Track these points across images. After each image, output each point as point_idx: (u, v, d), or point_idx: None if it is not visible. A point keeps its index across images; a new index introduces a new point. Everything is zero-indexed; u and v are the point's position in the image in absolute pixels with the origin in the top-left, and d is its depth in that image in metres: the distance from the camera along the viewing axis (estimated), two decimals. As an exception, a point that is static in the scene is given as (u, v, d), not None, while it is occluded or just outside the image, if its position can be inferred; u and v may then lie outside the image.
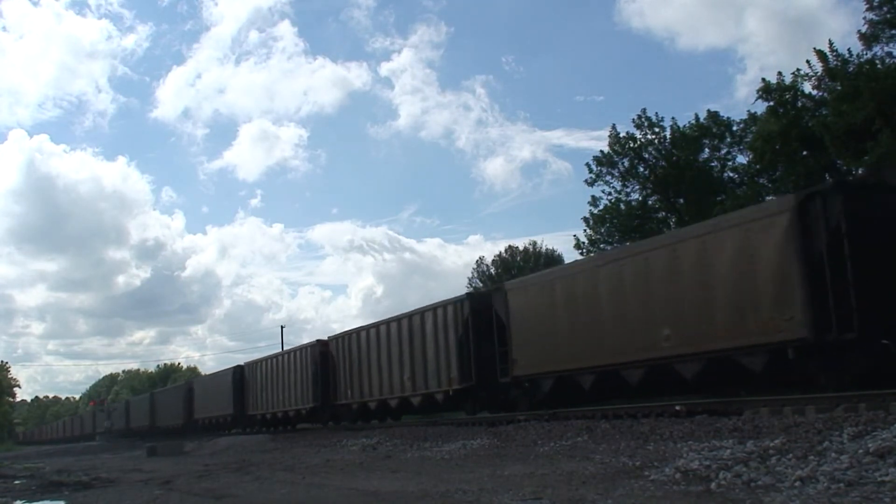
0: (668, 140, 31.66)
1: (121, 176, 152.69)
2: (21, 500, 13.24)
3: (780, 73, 25.69)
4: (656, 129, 31.74)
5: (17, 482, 17.07)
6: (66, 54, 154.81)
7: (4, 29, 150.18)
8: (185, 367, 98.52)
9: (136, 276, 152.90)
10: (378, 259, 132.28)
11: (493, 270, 49.47)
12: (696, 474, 7.22)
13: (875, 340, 10.51)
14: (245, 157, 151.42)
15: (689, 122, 31.94)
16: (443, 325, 18.99)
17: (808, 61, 24.15)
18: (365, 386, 22.66)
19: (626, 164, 32.25)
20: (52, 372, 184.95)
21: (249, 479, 12.38)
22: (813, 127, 23.91)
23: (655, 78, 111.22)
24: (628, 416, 12.51)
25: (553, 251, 49.23)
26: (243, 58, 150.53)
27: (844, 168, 23.64)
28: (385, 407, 22.11)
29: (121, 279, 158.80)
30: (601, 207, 33.04)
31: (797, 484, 6.26)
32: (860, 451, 6.73)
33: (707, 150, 31.79)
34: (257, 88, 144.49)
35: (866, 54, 22.55)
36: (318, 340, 26.44)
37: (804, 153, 25.00)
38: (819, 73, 23.74)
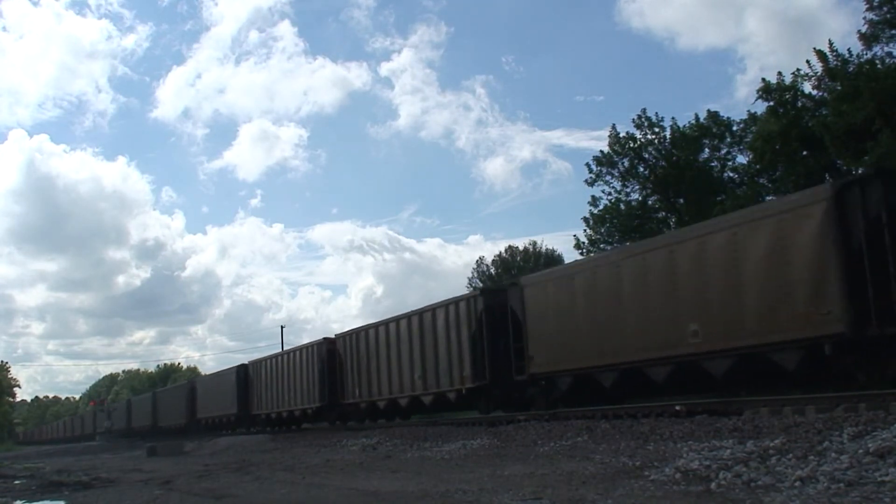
0: (668, 140, 31.65)
1: (121, 176, 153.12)
2: (21, 500, 13.23)
3: (780, 73, 25.73)
4: (656, 129, 31.74)
5: (17, 482, 17.06)
6: (66, 54, 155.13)
7: (4, 29, 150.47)
8: (185, 367, 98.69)
9: (136, 276, 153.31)
10: (378, 259, 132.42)
11: (493, 270, 49.52)
12: (696, 474, 7.22)
13: None
14: (245, 157, 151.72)
15: (689, 122, 31.97)
16: (455, 322, 18.53)
17: (808, 61, 24.18)
18: (374, 385, 22.23)
19: (626, 164, 32.23)
20: (52, 372, 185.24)
21: (249, 479, 12.37)
22: (813, 127, 23.90)
23: (655, 78, 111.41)
24: (628, 416, 12.46)
25: (553, 251, 49.35)
26: (243, 58, 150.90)
27: (844, 168, 23.61)
28: (395, 406, 21.70)
29: (121, 279, 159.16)
30: (601, 207, 33.04)
31: (797, 484, 6.26)
32: (860, 451, 6.73)
33: (707, 150, 31.78)
34: (257, 88, 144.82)
35: (866, 54, 22.56)
36: (324, 338, 25.94)
37: (804, 153, 24.99)
38: (819, 73, 23.74)
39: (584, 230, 33.55)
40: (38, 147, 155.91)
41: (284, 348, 37.64)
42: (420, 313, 20.24)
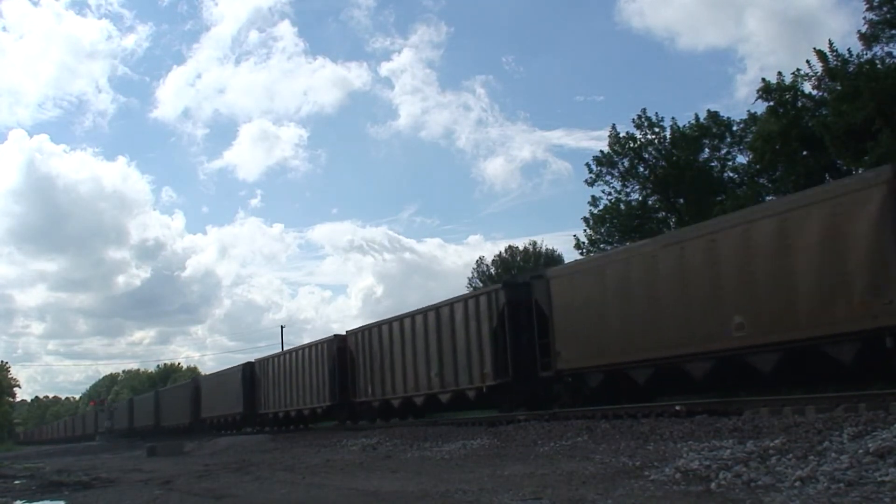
0: (668, 140, 31.62)
1: (121, 176, 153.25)
2: (21, 500, 13.23)
3: (780, 73, 25.68)
4: (656, 129, 31.71)
5: (17, 482, 17.05)
6: (66, 54, 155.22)
7: (4, 29, 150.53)
8: (185, 367, 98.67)
9: (136, 276, 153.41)
10: (378, 259, 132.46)
11: (493, 270, 49.50)
12: (696, 474, 7.22)
13: None
14: (245, 157, 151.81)
15: (689, 122, 31.90)
16: (475, 317, 17.82)
17: (808, 61, 24.14)
18: (388, 383, 21.60)
19: (626, 164, 32.19)
20: (52, 372, 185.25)
21: (249, 479, 12.37)
22: (813, 127, 23.88)
23: (655, 78, 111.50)
24: (628, 416, 12.41)
25: (553, 251, 49.32)
26: (243, 58, 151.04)
27: (844, 168, 23.62)
28: (410, 405, 21.09)
29: (121, 279, 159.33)
30: (601, 207, 32.99)
31: (797, 484, 6.26)
32: (860, 451, 6.73)
33: (707, 150, 31.74)
34: (257, 88, 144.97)
35: (866, 54, 22.54)
36: (335, 335, 25.34)
37: (804, 153, 24.97)
38: (819, 73, 23.71)
39: (584, 230, 33.55)
40: (38, 147, 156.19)
41: (285, 348, 37.55)
42: (437, 308, 19.59)
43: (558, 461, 9.77)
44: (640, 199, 32.57)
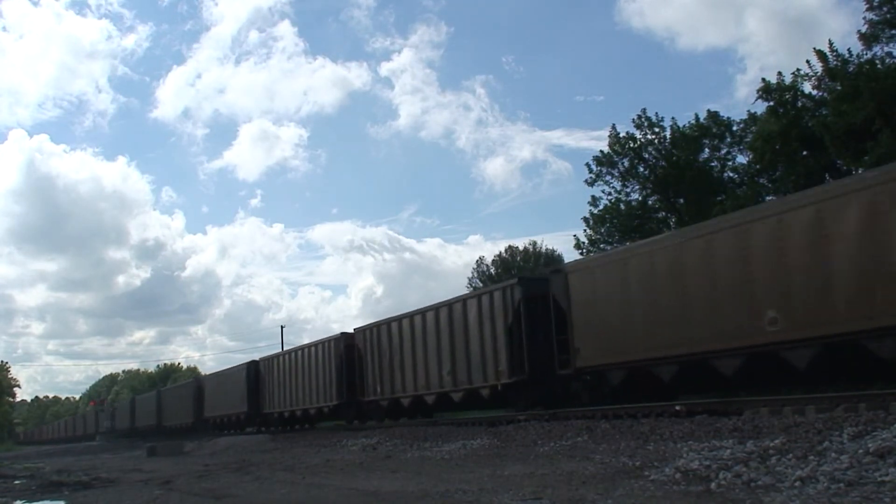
0: (668, 140, 31.64)
1: (121, 176, 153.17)
2: (21, 500, 13.24)
3: (780, 73, 25.72)
4: (656, 129, 31.72)
5: (17, 482, 17.06)
6: (66, 54, 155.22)
7: (4, 29, 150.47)
8: (185, 367, 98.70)
9: (136, 276, 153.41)
10: (378, 259, 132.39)
11: (493, 270, 49.53)
12: (696, 474, 7.22)
13: None
14: (245, 157, 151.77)
15: (689, 122, 31.92)
16: (489, 313, 17.36)
17: (808, 61, 24.19)
18: (397, 381, 21.12)
19: (626, 164, 32.21)
20: (52, 372, 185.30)
21: (249, 479, 12.38)
22: (813, 127, 23.91)
23: (655, 78, 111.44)
24: (628, 416, 12.40)
25: (553, 251, 49.40)
26: (243, 58, 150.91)
27: (844, 168, 23.63)
28: (420, 403, 20.67)
29: (121, 279, 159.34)
30: (601, 207, 33.02)
31: (797, 484, 6.26)
32: (860, 451, 6.73)
33: (707, 150, 31.76)
34: (257, 88, 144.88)
35: (866, 54, 22.58)
36: (342, 333, 24.99)
37: (804, 153, 24.99)
38: (819, 73, 23.75)
39: (584, 230, 33.58)
40: (38, 147, 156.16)
41: (285, 348, 37.49)
42: (450, 304, 19.16)
43: (558, 461, 9.77)
44: (640, 199, 32.60)
